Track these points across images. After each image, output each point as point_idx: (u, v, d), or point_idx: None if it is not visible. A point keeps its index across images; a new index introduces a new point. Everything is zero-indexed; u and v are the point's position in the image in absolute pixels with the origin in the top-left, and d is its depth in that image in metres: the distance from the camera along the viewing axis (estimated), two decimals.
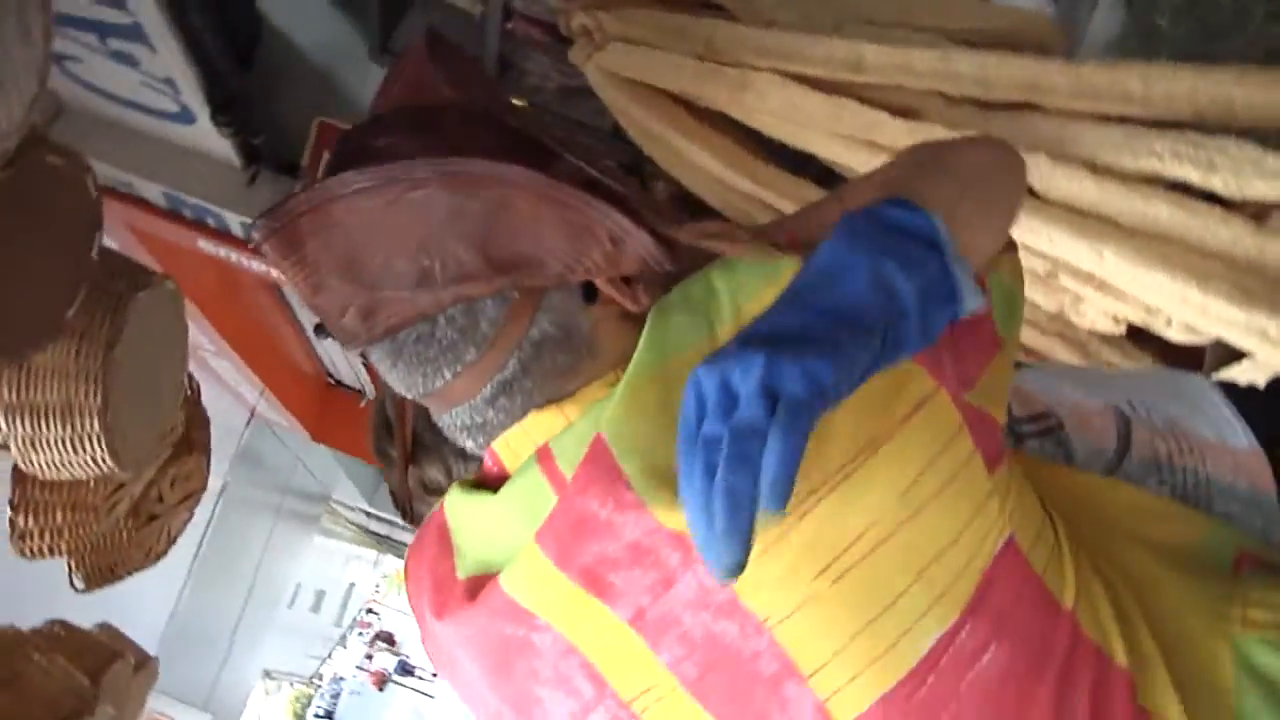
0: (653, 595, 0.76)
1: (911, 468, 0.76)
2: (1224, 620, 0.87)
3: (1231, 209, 1.42)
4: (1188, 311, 1.44)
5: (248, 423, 5.59)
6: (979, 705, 0.76)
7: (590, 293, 0.83)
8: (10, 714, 1.74)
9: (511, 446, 0.83)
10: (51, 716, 1.80)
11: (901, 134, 1.62)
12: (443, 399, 0.84)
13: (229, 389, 4.98)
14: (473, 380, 0.81)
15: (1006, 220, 0.90)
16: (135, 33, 2.00)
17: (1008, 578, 0.79)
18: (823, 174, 1.96)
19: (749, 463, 0.61)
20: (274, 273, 2.97)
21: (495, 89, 1.02)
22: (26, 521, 1.77)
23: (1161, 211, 1.43)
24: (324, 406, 5.84)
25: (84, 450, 1.56)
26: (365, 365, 4.69)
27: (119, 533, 2.06)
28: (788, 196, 1.91)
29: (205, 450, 2.26)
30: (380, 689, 21.16)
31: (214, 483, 4.41)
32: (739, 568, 0.61)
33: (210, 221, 2.83)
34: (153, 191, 2.72)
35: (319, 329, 0.86)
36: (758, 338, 0.67)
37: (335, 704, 21.01)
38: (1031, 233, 1.54)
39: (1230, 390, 1.18)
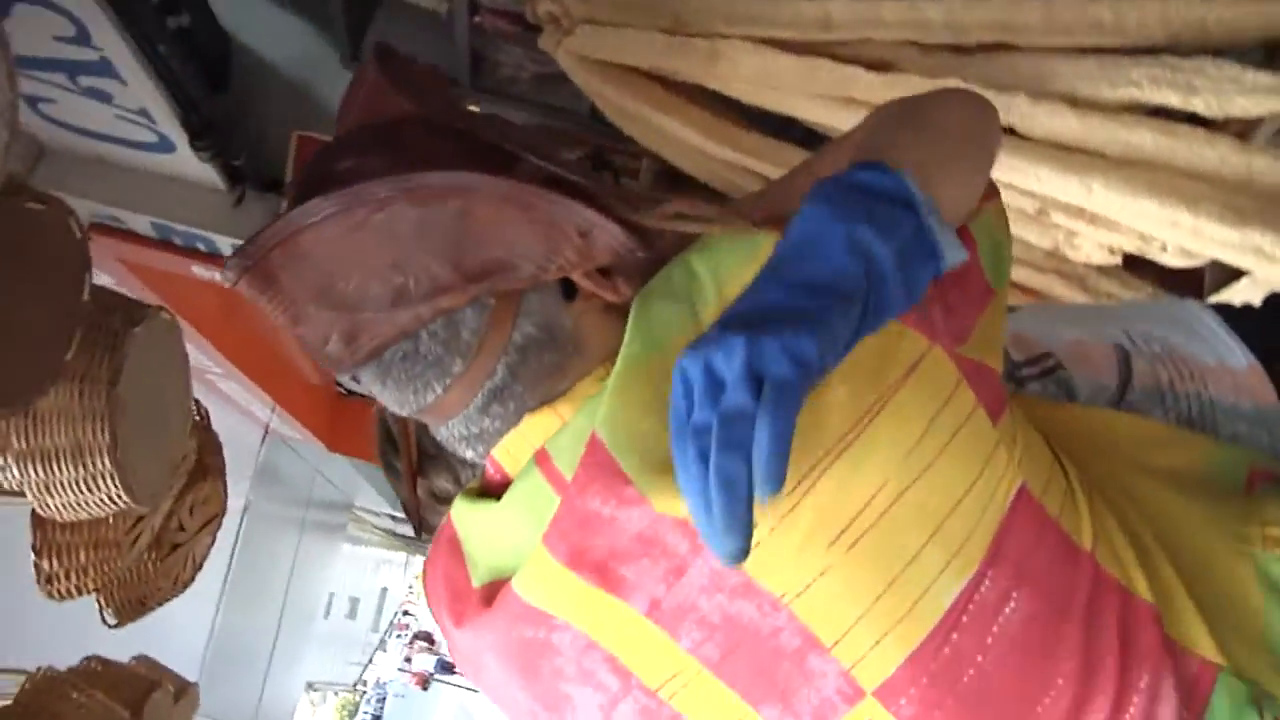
0: (666, 584, 0.76)
1: (914, 428, 0.75)
2: (1244, 541, 0.88)
3: (1215, 129, 1.41)
4: (1181, 236, 1.43)
5: (263, 440, 5.60)
6: (1006, 655, 0.76)
7: (569, 289, 0.83)
8: None
9: (511, 452, 0.83)
10: None
11: (878, 87, 1.61)
12: (437, 413, 0.84)
13: (241, 409, 4.99)
14: (464, 391, 0.81)
15: (982, 169, 0.88)
16: (104, 68, 1.99)
17: (1023, 526, 0.79)
18: (806, 136, 1.95)
19: (740, 448, 0.61)
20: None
21: (451, 95, 1.01)
22: (51, 565, 1.78)
23: (1145, 139, 1.42)
24: (337, 416, 5.84)
25: (98, 489, 1.57)
26: None
27: (144, 565, 2.07)
28: (772, 162, 1.90)
29: (221, 474, 2.27)
30: (424, 689, 21.24)
31: (236, 503, 4.46)
32: (743, 553, 0.61)
33: (201, 246, 2.83)
34: (140, 223, 2.72)
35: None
36: (737, 319, 0.67)
37: (382, 708, 21.12)
38: (1018, 172, 1.54)
39: (1224, 311, 1.18)
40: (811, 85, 1.70)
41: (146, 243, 2.85)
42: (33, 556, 1.77)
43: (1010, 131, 1.53)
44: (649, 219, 0.81)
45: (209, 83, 2.29)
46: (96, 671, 2.08)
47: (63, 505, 1.60)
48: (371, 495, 9.63)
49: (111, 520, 1.82)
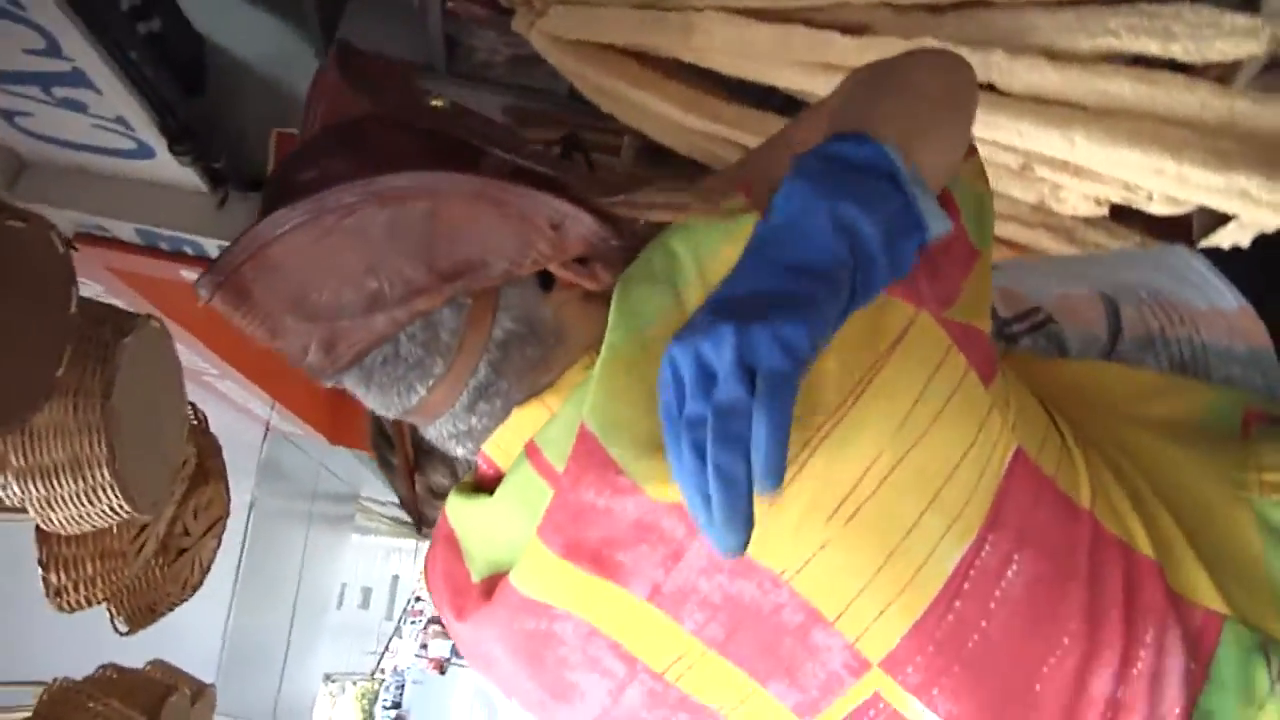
0: (665, 569, 0.76)
1: (906, 396, 0.75)
2: (1242, 488, 0.87)
3: (1194, 74, 1.40)
4: (1166, 184, 1.43)
5: (264, 438, 5.60)
6: (1010, 618, 0.76)
7: (546, 281, 0.82)
8: None
9: (501, 446, 0.83)
10: None
11: (854, 51, 1.60)
12: (423, 414, 0.84)
13: (240, 408, 4.98)
14: (448, 391, 0.81)
15: (962, 130, 0.86)
16: (77, 78, 1.97)
17: (1021, 488, 0.79)
18: (786, 105, 1.94)
19: (738, 443, 0.59)
20: None
21: (415, 89, 1.00)
22: (59, 578, 1.79)
23: (1125, 88, 1.42)
24: (337, 410, 5.83)
25: (99, 501, 1.57)
26: None
27: (151, 572, 2.08)
28: (755, 132, 1.89)
29: (222, 477, 2.28)
30: (442, 673, 21.34)
31: (242, 500, 4.46)
32: (743, 545, 0.60)
33: (188, 250, 2.81)
34: (125, 230, 2.70)
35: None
36: (725, 305, 0.64)
37: (401, 695, 21.24)
38: (999, 128, 1.53)
39: (1213, 254, 1.17)
40: (787, 53, 1.69)
41: (133, 250, 2.84)
42: (40, 570, 1.78)
43: (989, 88, 1.52)
44: (621, 210, 0.80)
45: (184, 86, 2.27)
46: (112, 679, 2.09)
47: (65, 519, 1.60)
48: (377, 485, 9.64)
49: (116, 530, 1.82)
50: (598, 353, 0.77)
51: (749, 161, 1.05)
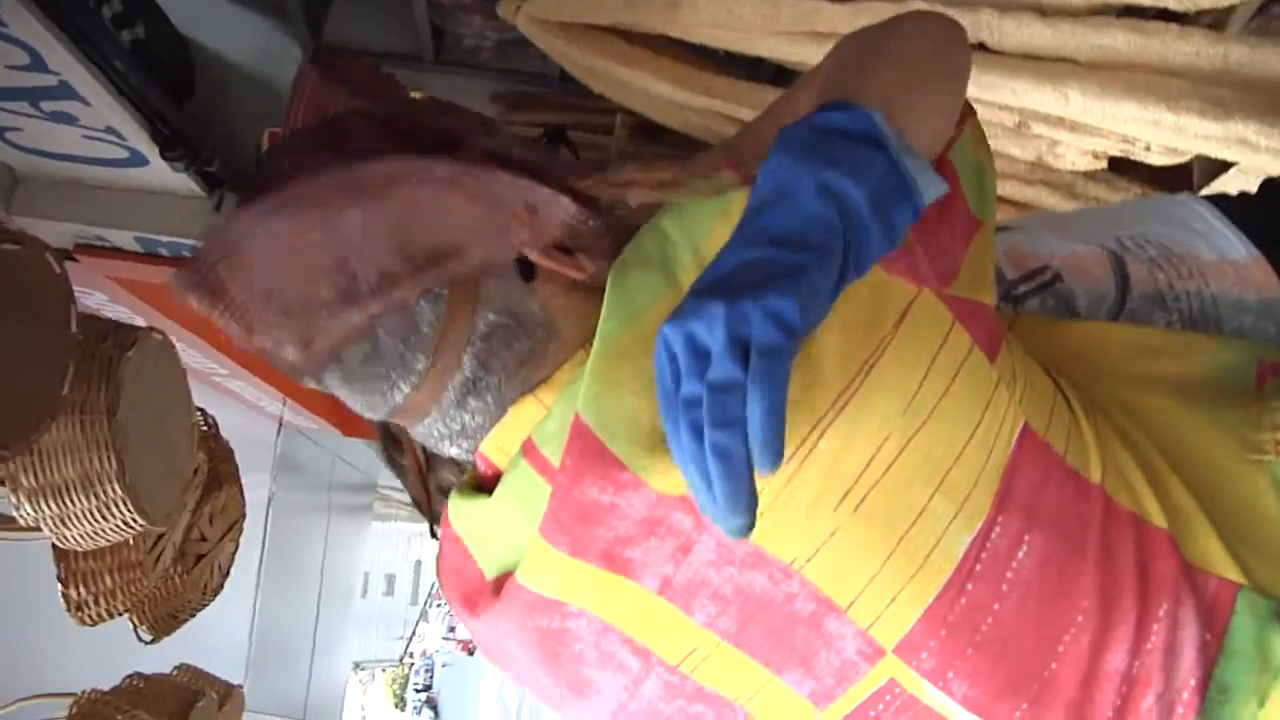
0: (674, 562, 0.76)
1: (911, 378, 0.74)
2: (1257, 450, 0.86)
3: (1188, 22, 1.39)
4: (1164, 135, 1.41)
5: (278, 433, 5.61)
6: (1023, 599, 0.76)
7: (526, 271, 0.80)
8: None
9: (498, 445, 0.82)
10: None
11: (841, 18, 1.59)
12: (410, 413, 0.83)
13: (252, 405, 4.99)
14: (433, 388, 0.80)
15: (955, 93, 0.84)
16: (65, 91, 1.96)
17: (1030, 466, 0.78)
18: (777, 75, 1.93)
19: (735, 423, 0.59)
20: None
21: (395, 85, 0.99)
22: (79, 592, 1.79)
23: (1118, 40, 1.40)
24: None
25: (113, 516, 1.57)
26: None
27: (171, 580, 2.08)
28: (747, 105, 1.88)
29: (236, 480, 2.28)
30: (471, 654, 21.46)
31: (260, 496, 4.46)
32: (748, 526, 0.60)
33: (188, 254, 2.81)
34: (124, 239, 2.70)
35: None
36: (715, 283, 0.63)
37: (431, 678, 21.41)
38: (993, 88, 1.52)
39: (1221, 201, 1.13)
40: (775, 23, 1.68)
41: (134, 258, 2.83)
42: (59, 587, 1.78)
43: (981, 47, 1.51)
44: (601, 190, 0.79)
45: (172, 91, 2.26)
46: (139, 689, 2.09)
47: (80, 535, 1.60)
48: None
49: (132, 542, 1.82)
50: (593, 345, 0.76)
51: (740, 135, 1.03)
